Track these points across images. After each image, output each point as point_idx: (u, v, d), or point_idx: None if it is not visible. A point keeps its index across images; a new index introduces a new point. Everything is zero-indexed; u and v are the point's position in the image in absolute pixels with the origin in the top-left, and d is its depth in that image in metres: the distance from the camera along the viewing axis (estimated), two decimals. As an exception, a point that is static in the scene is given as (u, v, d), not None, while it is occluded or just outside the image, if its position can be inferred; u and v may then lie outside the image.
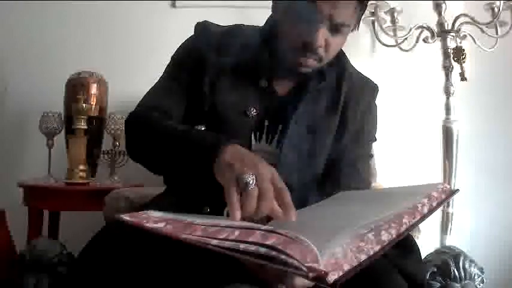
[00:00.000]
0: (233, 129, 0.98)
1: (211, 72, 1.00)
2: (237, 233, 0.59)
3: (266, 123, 1.00)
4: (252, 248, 0.56)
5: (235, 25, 1.08)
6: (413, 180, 1.90)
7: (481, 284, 1.15)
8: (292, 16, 0.93)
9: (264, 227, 0.59)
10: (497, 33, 1.87)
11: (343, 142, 1.04)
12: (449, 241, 1.88)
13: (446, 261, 1.15)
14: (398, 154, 2.01)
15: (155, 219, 0.65)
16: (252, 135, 0.99)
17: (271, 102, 1.01)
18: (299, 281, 0.67)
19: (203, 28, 1.05)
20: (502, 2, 1.82)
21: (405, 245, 0.87)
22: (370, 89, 1.11)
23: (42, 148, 1.78)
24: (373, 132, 1.12)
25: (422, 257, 1.00)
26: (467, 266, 1.14)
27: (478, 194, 1.96)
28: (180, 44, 1.08)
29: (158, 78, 1.06)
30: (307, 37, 0.92)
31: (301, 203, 0.94)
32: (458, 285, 1.13)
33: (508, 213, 2.02)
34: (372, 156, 1.12)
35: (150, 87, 1.05)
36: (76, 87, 1.81)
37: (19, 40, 2.04)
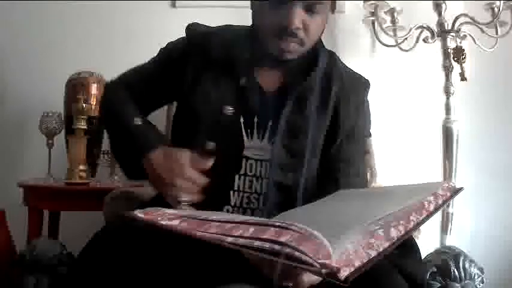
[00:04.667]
0: (222, 128, 0.99)
1: (193, 71, 1.02)
2: (251, 230, 0.59)
3: (256, 120, 1.00)
4: (267, 245, 0.56)
5: (224, 25, 1.10)
6: (413, 180, 1.91)
7: (481, 284, 1.15)
8: (267, 3, 0.95)
9: (278, 223, 0.59)
10: (497, 33, 1.87)
11: (338, 140, 1.04)
12: (449, 241, 1.88)
13: (446, 261, 1.15)
14: (399, 154, 2.01)
15: (170, 216, 0.65)
16: (244, 132, 1.00)
17: (259, 99, 1.01)
18: (306, 277, 0.67)
19: (191, 29, 1.08)
20: (502, 2, 1.81)
21: (405, 245, 0.87)
22: (362, 85, 1.11)
23: (42, 148, 1.78)
24: (367, 127, 1.12)
25: (422, 257, 1.00)
26: (467, 266, 1.14)
27: (478, 194, 1.96)
28: None
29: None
30: (283, 20, 0.93)
31: (299, 202, 0.94)
32: (458, 285, 1.13)
33: (508, 213, 2.02)
34: (367, 152, 1.12)
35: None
36: (76, 87, 1.81)
37: (19, 40, 2.04)
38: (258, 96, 1.02)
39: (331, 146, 1.04)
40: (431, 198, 0.71)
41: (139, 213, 0.66)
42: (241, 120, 1.00)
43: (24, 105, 2.02)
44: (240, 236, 0.58)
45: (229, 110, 0.99)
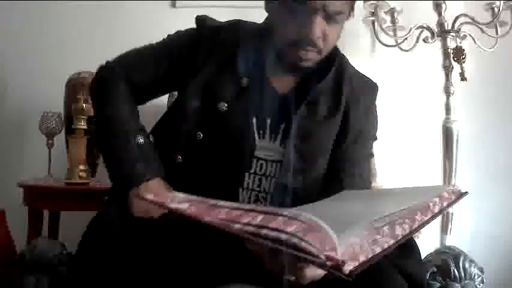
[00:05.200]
0: (229, 126, 0.99)
1: (200, 62, 1.02)
2: (259, 218, 0.58)
3: (268, 121, 1.00)
4: (273, 234, 0.56)
5: (233, 21, 1.08)
6: (413, 180, 1.91)
7: (481, 284, 1.15)
8: (286, 11, 0.94)
9: (286, 212, 0.59)
10: (497, 33, 1.87)
11: (346, 142, 1.04)
12: (449, 241, 1.88)
13: (446, 261, 1.15)
14: (399, 154, 2.01)
15: (179, 200, 0.64)
16: (256, 132, 1.00)
17: (272, 101, 1.01)
18: (309, 271, 0.67)
19: (201, 22, 1.07)
20: (502, 2, 1.81)
21: (405, 245, 0.87)
22: (371, 88, 1.11)
23: (42, 148, 1.78)
24: (374, 131, 1.12)
25: (422, 257, 1.00)
26: (467, 266, 1.14)
27: (478, 194, 1.95)
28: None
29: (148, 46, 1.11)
30: (304, 30, 0.92)
31: (304, 203, 0.94)
32: (458, 285, 1.13)
33: (508, 213, 2.02)
34: (372, 155, 1.12)
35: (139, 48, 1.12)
36: (76, 87, 1.81)
37: (19, 40, 2.04)
38: (270, 97, 1.01)
39: (338, 148, 1.04)
40: (437, 200, 0.71)
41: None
42: (254, 120, 1.00)
43: (24, 105, 2.02)
44: (248, 224, 0.58)
45: (223, 106, 0.99)
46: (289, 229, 0.55)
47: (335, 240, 0.54)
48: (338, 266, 0.53)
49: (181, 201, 0.63)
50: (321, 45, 0.95)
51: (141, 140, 0.99)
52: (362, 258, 0.55)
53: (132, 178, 0.94)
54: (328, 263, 0.53)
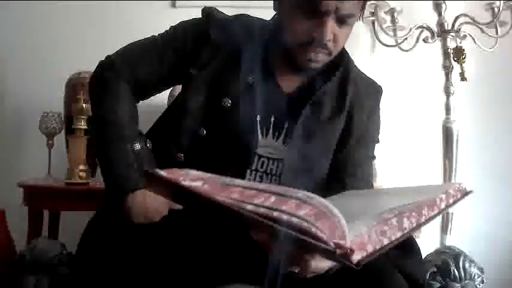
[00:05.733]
0: (234, 122, 0.98)
1: (207, 54, 1.01)
2: (272, 199, 0.57)
3: (272, 119, 1.00)
4: (285, 217, 0.55)
5: (240, 15, 1.07)
6: (414, 180, 1.91)
7: (481, 284, 1.15)
8: (298, 12, 0.93)
9: (299, 194, 0.57)
10: (497, 33, 1.88)
11: (349, 144, 1.04)
12: (449, 241, 1.88)
13: (446, 261, 1.15)
14: (399, 154, 2.01)
15: (193, 177, 0.61)
16: (259, 130, 0.99)
17: (277, 100, 1.01)
18: (314, 263, 0.67)
19: (208, 14, 1.05)
20: (502, 2, 1.82)
21: (405, 245, 0.87)
22: (375, 91, 1.11)
23: (42, 148, 1.78)
24: (377, 133, 1.12)
25: (423, 257, 1.00)
26: (467, 266, 1.15)
27: (478, 194, 1.94)
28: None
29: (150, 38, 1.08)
30: (315, 32, 0.92)
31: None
32: (458, 285, 1.13)
33: (508, 213, 2.02)
34: (374, 157, 1.12)
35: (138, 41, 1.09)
36: (76, 87, 1.80)
37: (19, 40, 2.04)
38: (276, 96, 1.01)
39: (341, 149, 1.04)
40: (443, 196, 0.71)
41: (161, 171, 0.61)
42: (258, 118, 0.99)
43: (24, 105, 2.02)
44: (261, 205, 0.57)
45: (227, 103, 0.99)
46: (301, 213, 0.54)
47: (345, 228, 0.53)
48: (346, 254, 0.52)
49: (194, 179, 0.61)
50: (331, 46, 0.94)
51: (138, 147, 0.97)
52: (370, 249, 0.55)
53: (126, 186, 0.92)
54: (337, 251, 0.52)
